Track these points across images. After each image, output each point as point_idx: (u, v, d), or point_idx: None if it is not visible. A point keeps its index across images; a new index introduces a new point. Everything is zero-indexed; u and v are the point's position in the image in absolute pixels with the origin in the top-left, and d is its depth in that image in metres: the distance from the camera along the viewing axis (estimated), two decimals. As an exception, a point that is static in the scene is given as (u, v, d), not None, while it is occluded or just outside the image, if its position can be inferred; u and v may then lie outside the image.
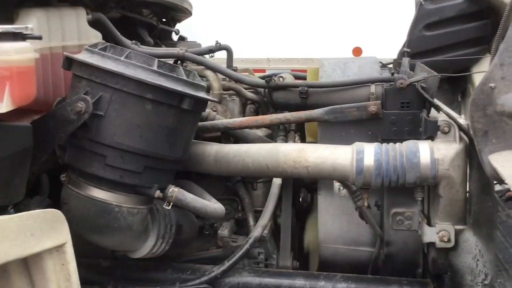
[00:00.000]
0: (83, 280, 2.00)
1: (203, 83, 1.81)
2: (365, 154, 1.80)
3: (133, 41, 2.32)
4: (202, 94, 1.77)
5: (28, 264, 1.56)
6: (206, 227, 2.38)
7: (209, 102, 2.22)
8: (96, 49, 1.68)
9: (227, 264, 2.01)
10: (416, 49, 2.68)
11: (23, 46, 1.38)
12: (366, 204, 1.91)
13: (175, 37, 3.63)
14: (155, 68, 1.66)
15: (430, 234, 1.85)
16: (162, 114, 1.68)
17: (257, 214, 2.24)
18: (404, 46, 2.75)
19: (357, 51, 4.90)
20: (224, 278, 2.02)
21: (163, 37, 3.46)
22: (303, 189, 2.51)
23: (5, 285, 1.59)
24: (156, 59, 1.68)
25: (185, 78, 1.71)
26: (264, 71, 4.00)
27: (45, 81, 1.83)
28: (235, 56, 2.56)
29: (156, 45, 3.04)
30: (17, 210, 1.63)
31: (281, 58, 5.02)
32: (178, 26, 3.68)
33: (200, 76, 2.34)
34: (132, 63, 1.64)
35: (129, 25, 2.83)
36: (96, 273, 2.06)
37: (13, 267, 1.55)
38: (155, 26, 3.12)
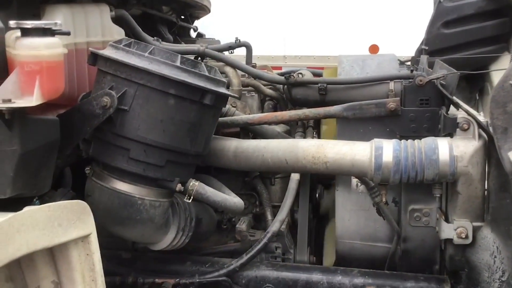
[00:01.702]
0: (104, 271, 2.06)
1: (224, 79, 1.84)
2: (384, 151, 1.81)
3: (155, 38, 2.36)
4: (223, 90, 1.80)
5: (54, 254, 1.61)
6: (224, 221, 2.42)
7: (229, 98, 2.27)
8: (121, 45, 1.71)
9: (245, 257, 2.04)
10: (434, 46, 2.68)
11: (53, 41, 1.42)
12: (384, 200, 1.92)
13: (193, 34, 3.66)
14: (178, 64, 1.69)
15: (448, 231, 1.87)
16: (185, 109, 1.71)
17: (275, 209, 2.27)
18: (422, 43, 2.75)
19: (373, 49, 4.89)
20: (242, 271, 2.05)
21: (181, 34, 3.49)
22: (320, 185, 2.54)
23: (32, 274, 1.64)
24: (179, 55, 1.71)
25: (207, 74, 1.74)
26: (280, 68, 4.02)
27: (70, 76, 1.87)
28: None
29: (176, 41, 3.08)
30: (42, 202, 1.68)
31: (297, 56, 5.03)
32: (195, 23, 3.71)
33: (220, 72, 2.39)
34: (156, 59, 1.67)
35: (149, 22, 2.86)
36: (117, 265, 2.11)
37: (40, 256, 1.59)
38: (174, 23, 3.16)
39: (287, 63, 4.88)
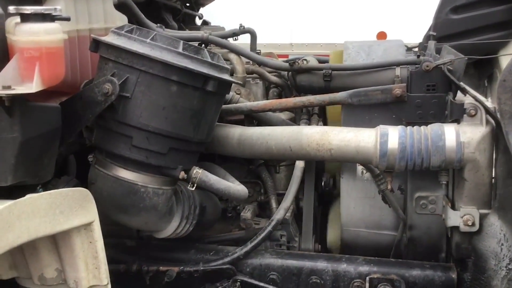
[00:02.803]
0: (108, 259, 2.06)
1: (227, 66, 1.82)
2: (389, 137, 1.79)
3: (158, 25, 2.33)
4: (226, 76, 1.78)
5: (56, 241, 1.61)
6: (229, 210, 2.41)
7: (233, 85, 2.24)
8: (123, 31, 1.69)
9: (249, 245, 2.03)
10: (442, 32, 2.63)
11: (53, 27, 1.40)
12: (389, 187, 1.90)
13: (198, 22, 3.63)
14: (180, 50, 1.67)
15: (454, 218, 1.84)
16: (187, 96, 1.69)
17: (280, 197, 2.26)
18: (430, 29, 2.70)
19: (381, 36, 4.83)
20: (246, 259, 2.04)
21: (187, 22, 3.46)
22: (326, 173, 2.52)
23: (35, 261, 1.65)
24: (182, 41, 1.69)
25: (209, 60, 1.72)
26: (287, 56, 3.97)
27: (73, 63, 1.85)
28: (258, 41, 2.56)
29: (180, 29, 3.05)
30: (46, 190, 1.66)
31: (304, 43, 4.98)
32: (201, 10, 3.68)
33: (224, 59, 2.36)
34: (158, 45, 1.65)
35: (153, 9, 2.84)
36: (121, 253, 2.11)
37: (42, 243, 1.60)
38: (179, 10, 3.13)
39: (294, 51, 4.83)
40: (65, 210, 1.43)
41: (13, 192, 1.48)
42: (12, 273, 1.71)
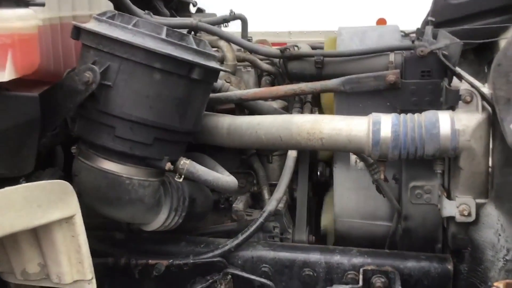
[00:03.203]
0: (97, 253, 2.02)
1: (214, 53, 1.76)
2: (381, 125, 1.73)
3: (146, 11, 2.27)
4: (213, 64, 1.72)
5: (38, 235, 1.56)
6: (221, 201, 2.37)
7: (223, 73, 2.19)
8: (104, 18, 1.64)
9: (241, 237, 1.98)
10: (441, 18, 2.55)
11: (26, 13, 1.34)
12: (382, 177, 1.84)
13: (193, 10, 3.56)
14: (163, 36, 1.61)
15: (450, 208, 1.79)
16: (172, 84, 1.64)
17: (272, 188, 2.20)
18: (428, 15, 2.63)
19: (381, 22, 4.74)
20: (238, 251, 1.99)
21: (180, 9, 3.39)
22: (321, 163, 2.46)
23: (16, 256, 1.60)
24: (165, 27, 1.63)
25: (195, 47, 1.66)
26: (285, 44, 3.91)
27: (55, 51, 1.80)
28: (255, 29, 2.50)
29: (172, 16, 2.98)
30: (29, 182, 1.62)
31: (303, 31, 4.90)
32: (196, -2, 3.60)
33: (213, 46, 2.30)
34: (140, 32, 1.59)
35: (144, -4, 2.77)
36: (110, 246, 2.06)
37: (23, 237, 1.55)
38: (171, -3, 3.06)
39: (292, 39, 4.76)
40: (43, 204, 1.38)
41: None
42: (-6, 267, 1.67)
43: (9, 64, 1.28)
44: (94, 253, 1.97)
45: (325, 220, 2.29)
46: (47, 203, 1.39)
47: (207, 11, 3.61)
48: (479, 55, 2.73)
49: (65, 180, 1.77)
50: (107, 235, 2.11)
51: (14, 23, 1.30)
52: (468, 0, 2.52)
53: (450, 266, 1.87)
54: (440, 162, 1.83)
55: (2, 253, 1.62)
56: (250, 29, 2.73)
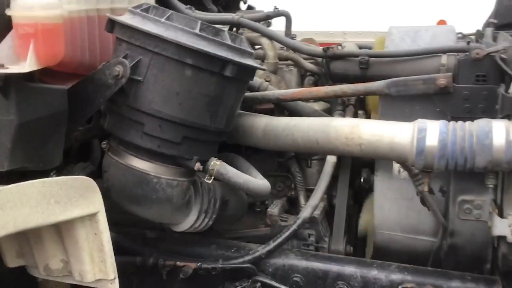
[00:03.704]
0: (127, 250, 1.99)
1: (250, 49, 1.67)
2: (428, 133, 1.59)
3: (188, 6, 2.21)
4: (248, 61, 1.63)
5: (61, 232, 1.53)
6: (257, 204, 2.28)
7: (263, 72, 2.10)
8: (138, 10, 1.58)
9: (272, 244, 1.89)
10: (504, 20, 2.37)
11: (50, 1, 1.30)
12: (426, 189, 1.70)
13: (243, 7, 3.49)
14: (197, 31, 1.54)
15: (502, 227, 1.62)
16: (203, 81, 1.56)
17: (310, 193, 2.09)
18: (490, 17, 2.45)
19: (441, 24, 4.52)
20: (269, 258, 1.90)
21: (230, 6, 3.33)
22: (366, 169, 2.34)
23: (40, 251, 1.58)
24: (199, 22, 1.56)
25: (229, 42, 1.58)
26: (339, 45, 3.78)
27: (92, 44, 1.76)
28: (308, 29, 2.40)
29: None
30: (60, 176, 1.59)
31: (358, 31, 4.74)
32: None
33: (255, 44, 2.22)
34: (172, 25, 1.53)
35: (189, -9, 2.73)
36: (140, 244, 2.02)
37: (46, 233, 1.53)
38: (220, -7, 3.00)
39: (347, 39, 4.61)
40: (62, 200, 1.34)
41: (15, 178, 1.40)
42: (19, 261, 1.66)
43: (31, 54, 1.25)
44: (124, 250, 1.96)
45: (363, 222, 2.17)
46: (66, 200, 1.35)
47: (258, 9, 3.54)
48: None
49: (97, 176, 1.76)
50: (138, 233, 2.07)
51: (37, 12, 1.26)
52: (535, 1, 2.33)
53: (498, 289, 1.72)
54: (492, 175, 1.67)
55: (27, 247, 1.60)
56: (302, 28, 2.63)
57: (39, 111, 1.39)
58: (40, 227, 1.32)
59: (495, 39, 2.02)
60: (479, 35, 2.48)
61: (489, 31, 2.11)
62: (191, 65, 1.53)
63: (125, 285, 1.74)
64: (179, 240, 2.05)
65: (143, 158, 1.65)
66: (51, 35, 1.30)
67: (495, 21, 2.35)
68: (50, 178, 1.31)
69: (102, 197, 1.49)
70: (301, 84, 2.30)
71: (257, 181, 1.78)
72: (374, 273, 1.83)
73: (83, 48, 1.70)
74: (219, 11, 2.97)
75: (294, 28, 2.51)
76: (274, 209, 2.11)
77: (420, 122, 1.63)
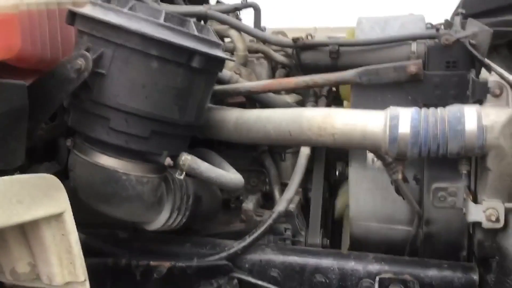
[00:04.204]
0: (98, 252, 1.93)
1: (218, 40, 1.63)
2: (400, 120, 1.57)
3: (154, -1, 2.16)
4: (216, 52, 1.59)
5: (26, 234, 1.46)
6: (232, 200, 2.25)
7: (232, 64, 2.06)
8: (100, 1, 1.53)
9: (248, 239, 1.86)
10: (472, 9, 2.37)
11: (3, -9, 1.24)
12: (400, 177, 1.69)
13: (212, 2, 3.45)
14: (161, 21, 1.49)
15: (476, 213, 1.62)
16: (170, 73, 1.52)
17: (285, 187, 2.06)
18: (458, 7, 2.46)
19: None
20: (245, 254, 1.86)
21: (198, 1, 3.29)
22: (341, 162, 2.32)
23: (5, 254, 1.51)
24: (164, 11, 1.51)
25: (195, 33, 1.54)
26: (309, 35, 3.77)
27: (52, 39, 1.69)
28: (280, 25, 2.39)
29: (187, 7, 2.87)
30: (23, 176, 1.52)
31: (329, 27, 4.74)
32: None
33: (224, 36, 2.18)
34: (136, 16, 1.48)
35: (157, -16, 2.67)
36: (112, 245, 1.96)
37: (10, 235, 1.46)
38: (188, -13, 2.95)
39: (318, 35, 4.61)
40: (25, 199, 1.28)
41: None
42: (-18, 266, 1.59)
43: (-15, 46, 1.19)
44: (94, 252, 1.90)
45: (339, 204, 2.17)
46: (29, 199, 1.29)
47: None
48: (515, 50, 2.54)
49: (64, 175, 1.70)
50: (110, 234, 2.02)
51: (-10, 2, 1.20)
52: (502, -10, 2.34)
53: (475, 276, 1.71)
54: (465, 162, 1.66)
55: (-10, 251, 1.53)
56: (274, 25, 2.61)
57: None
58: (3, 228, 1.25)
59: (463, 27, 2.02)
60: (448, 24, 2.49)
61: (458, 19, 2.11)
62: (157, 57, 1.48)
63: (98, 287, 1.69)
64: (152, 239, 1.99)
65: (110, 155, 1.59)
66: (5, 25, 1.24)
67: (463, 11, 2.36)
68: (10, 176, 1.25)
69: (70, 198, 1.43)
70: (272, 76, 2.27)
71: (230, 175, 1.74)
72: (351, 265, 1.80)
73: (43, 43, 1.64)
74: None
75: (265, 25, 2.48)
76: (248, 204, 2.08)
77: (392, 110, 1.61)
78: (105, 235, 2.00)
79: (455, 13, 2.44)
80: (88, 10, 1.52)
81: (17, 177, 1.27)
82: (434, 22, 2.41)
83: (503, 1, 2.32)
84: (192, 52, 1.51)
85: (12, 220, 1.26)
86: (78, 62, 1.46)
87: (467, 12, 2.34)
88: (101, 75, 1.49)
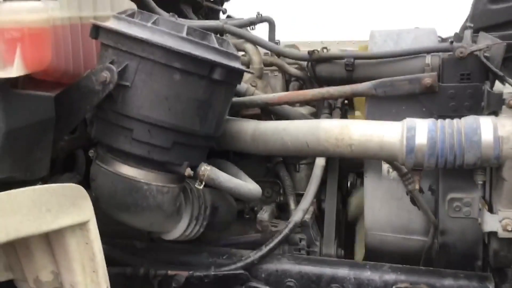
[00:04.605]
0: (116, 262, 1.95)
1: (237, 53, 1.67)
2: (417, 131, 1.60)
3: (171, 14, 2.20)
4: (235, 64, 1.63)
5: (50, 242, 1.49)
6: (246, 211, 2.27)
7: (248, 77, 2.10)
8: (124, 16, 1.57)
9: (264, 249, 1.87)
10: (480, 24, 2.40)
11: (36, 5, 1.28)
12: (417, 187, 1.71)
13: (222, 17, 3.51)
14: (184, 35, 1.53)
15: (492, 223, 1.64)
16: (192, 85, 1.55)
17: (300, 198, 2.09)
18: (466, 21, 2.49)
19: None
20: (261, 264, 1.88)
21: (210, 17, 3.34)
22: (352, 173, 2.35)
23: (29, 263, 1.53)
24: (186, 26, 1.55)
25: (216, 46, 1.58)
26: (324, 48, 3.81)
27: (75, 52, 1.73)
28: (287, 39, 2.43)
29: (200, 22, 2.92)
30: (46, 186, 1.55)
31: (335, 41, 4.78)
32: (226, 5, 3.55)
33: (239, 49, 2.22)
34: (159, 30, 1.52)
35: (170, 1, 2.72)
36: (129, 255, 1.98)
37: (35, 243, 1.48)
38: (199, 3, 3.00)
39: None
40: (53, 208, 1.30)
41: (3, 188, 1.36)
42: (7, 274, 1.60)
43: (18, 59, 1.22)
44: (113, 262, 1.92)
45: (352, 206, 2.20)
46: (57, 208, 1.31)
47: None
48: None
49: (84, 186, 1.73)
50: (127, 244, 2.04)
51: (24, 16, 1.24)
52: (509, 5, 2.37)
53: (491, 286, 1.72)
54: (481, 172, 1.69)
55: (14, 260, 1.55)
56: (281, 38, 2.65)
57: (26, 118, 1.36)
58: (31, 236, 1.28)
59: (474, 42, 2.06)
60: (458, 38, 2.52)
61: (468, 33, 2.14)
62: (180, 69, 1.52)
63: (115, 297, 1.71)
64: (169, 249, 2.02)
65: (132, 165, 1.62)
66: (38, 39, 1.28)
67: (471, 25, 2.39)
68: (40, 186, 1.28)
69: (91, 208, 1.46)
70: (286, 89, 2.32)
71: (248, 185, 1.77)
72: (367, 274, 1.82)
73: (67, 56, 1.68)
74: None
75: (279, 39, 2.53)
76: (264, 215, 2.10)
77: (409, 121, 1.64)
78: (122, 245, 2.02)
79: (464, 27, 2.48)
80: (112, 24, 1.56)
81: (47, 186, 1.29)
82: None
83: (510, 16, 2.36)
84: (213, 65, 1.54)
85: (42, 228, 1.29)
86: (103, 74, 1.50)
87: (475, 26, 2.39)
88: (126, 87, 1.53)
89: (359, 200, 2.12)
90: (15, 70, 1.23)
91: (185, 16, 2.77)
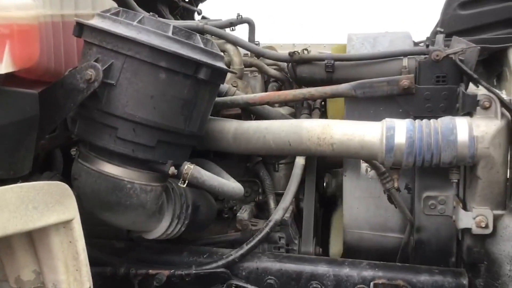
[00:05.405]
0: (95, 261, 1.92)
1: (222, 53, 1.69)
2: (396, 131, 1.65)
3: (151, 13, 2.19)
4: (220, 64, 1.65)
5: (33, 240, 1.47)
6: (225, 210, 2.29)
7: (229, 77, 2.12)
8: (108, 14, 1.57)
9: (245, 247, 1.90)
10: (450, 28, 2.49)
11: (25, 2, 1.27)
12: (396, 185, 1.76)
13: (197, 18, 3.52)
14: (170, 34, 1.54)
15: (466, 220, 1.71)
16: (177, 84, 1.56)
17: (279, 197, 2.13)
18: (437, 26, 2.58)
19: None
20: (242, 262, 1.91)
21: (185, 17, 3.35)
22: (328, 174, 2.39)
23: (10, 262, 1.51)
24: (172, 25, 1.56)
25: (202, 46, 1.59)
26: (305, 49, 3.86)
27: (57, 50, 1.72)
28: (272, 42, 2.45)
29: (177, 22, 2.93)
30: (27, 184, 1.53)
31: (307, 44, 4.84)
32: (201, 6, 3.56)
33: (220, 50, 2.23)
34: (145, 29, 1.53)
35: (148, 1, 2.72)
36: (109, 254, 1.97)
37: (18, 242, 1.46)
38: (175, 3, 3.01)
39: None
40: (39, 206, 1.29)
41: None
42: (-12, 274, 1.58)
43: (7, 56, 1.21)
44: (92, 262, 1.90)
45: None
46: (43, 205, 1.30)
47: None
48: (488, 68, 2.67)
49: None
50: (107, 244, 2.03)
51: (13, 13, 1.23)
52: (478, 11, 2.45)
53: (465, 281, 1.79)
54: (455, 171, 1.75)
55: (-5, 259, 1.53)
56: (264, 41, 2.67)
57: (11, 115, 1.34)
58: (17, 234, 1.26)
59: (446, 46, 2.13)
60: (430, 42, 2.60)
61: (440, 37, 2.21)
62: (165, 68, 1.53)
63: (98, 296, 1.70)
64: (149, 248, 2.02)
65: (116, 163, 1.62)
66: (27, 36, 1.27)
67: (441, 29, 2.47)
68: (27, 183, 1.26)
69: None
70: (265, 90, 2.35)
71: (231, 184, 1.79)
72: (346, 271, 1.86)
73: (49, 54, 1.66)
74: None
75: (258, 40, 2.55)
76: (243, 214, 2.12)
77: (388, 121, 1.69)
78: (101, 245, 2.01)
79: (435, 32, 2.56)
80: (97, 22, 1.56)
81: (33, 183, 1.28)
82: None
83: (479, 21, 2.45)
84: (199, 64, 1.56)
85: (28, 226, 1.28)
86: (88, 72, 1.49)
87: (445, 31, 2.47)
88: (110, 86, 1.53)
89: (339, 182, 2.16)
90: (3, 66, 1.21)
91: (163, 16, 2.78)
